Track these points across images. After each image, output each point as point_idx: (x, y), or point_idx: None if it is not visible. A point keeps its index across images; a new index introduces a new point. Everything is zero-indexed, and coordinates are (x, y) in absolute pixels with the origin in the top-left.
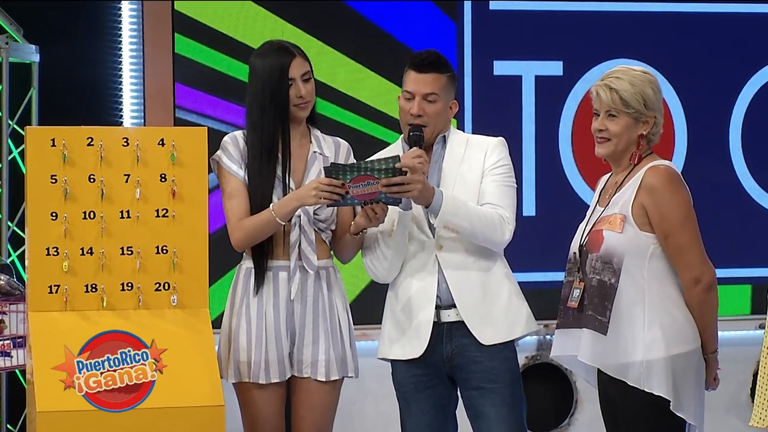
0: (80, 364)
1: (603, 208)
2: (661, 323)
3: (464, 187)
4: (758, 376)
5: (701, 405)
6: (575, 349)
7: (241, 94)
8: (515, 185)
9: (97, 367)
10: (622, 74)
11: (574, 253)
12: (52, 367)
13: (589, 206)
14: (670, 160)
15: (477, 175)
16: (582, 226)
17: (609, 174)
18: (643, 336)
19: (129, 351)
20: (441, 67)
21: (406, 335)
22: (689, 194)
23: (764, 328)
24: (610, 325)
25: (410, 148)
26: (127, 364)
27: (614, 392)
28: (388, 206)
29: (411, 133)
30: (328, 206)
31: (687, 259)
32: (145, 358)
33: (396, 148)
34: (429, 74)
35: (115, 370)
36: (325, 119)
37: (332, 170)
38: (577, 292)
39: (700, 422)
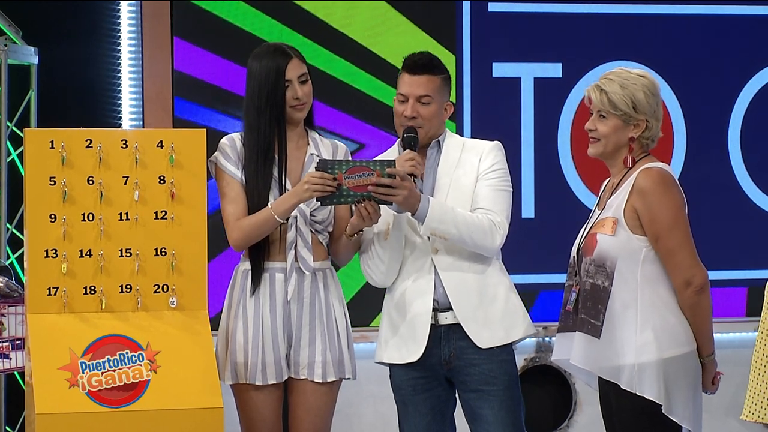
0: (83, 365)
1: (600, 211)
2: (653, 326)
3: (459, 191)
4: (750, 371)
5: (697, 408)
6: (570, 352)
7: (240, 97)
8: (510, 189)
9: (99, 368)
10: (615, 76)
11: (573, 257)
12: (59, 367)
13: (587, 208)
14: (669, 162)
15: (471, 179)
16: (582, 229)
17: (610, 177)
18: (635, 339)
19: (126, 353)
20: (434, 68)
21: (403, 338)
22: (682, 196)
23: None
24: (604, 329)
25: (405, 150)
26: (125, 364)
27: (610, 394)
28: (381, 205)
29: (405, 135)
30: (322, 204)
31: (677, 261)
32: (141, 359)
33: (392, 151)
34: (422, 76)
35: (114, 370)
36: (332, 82)
37: (322, 165)
38: (573, 296)
39: (695, 425)
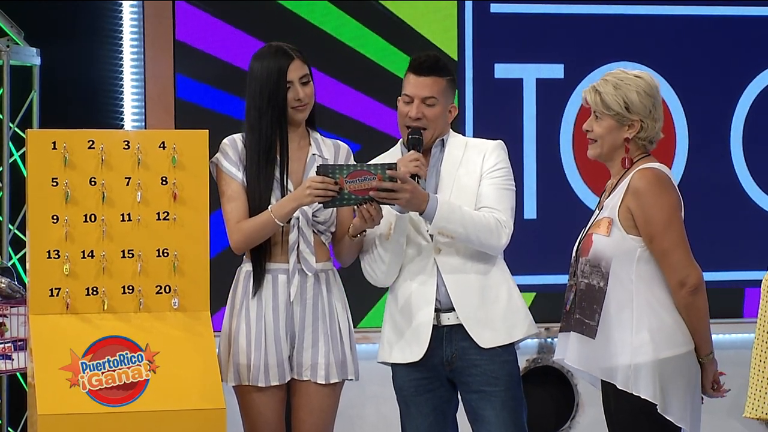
0: (84, 365)
1: (599, 212)
2: (649, 327)
3: (461, 190)
4: (750, 369)
5: (695, 408)
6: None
7: (243, 93)
8: (514, 188)
9: (99, 368)
10: (612, 77)
11: (573, 256)
12: (60, 367)
13: (589, 209)
14: (671, 163)
15: (475, 178)
16: (583, 230)
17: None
18: (631, 339)
19: (126, 354)
20: (440, 70)
21: (405, 339)
22: (677, 197)
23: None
24: (599, 329)
25: (408, 151)
26: (125, 365)
27: (610, 395)
28: (383, 206)
29: (410, 136)
30: (325, 207)
31: (671, 262)
32: (140, 360)
33: (395, 151)
34: (428, 78)
35: (114, 370)
36: (333, 43)
37: (323, 170)
38: (571, 296)
39: (693, 426)
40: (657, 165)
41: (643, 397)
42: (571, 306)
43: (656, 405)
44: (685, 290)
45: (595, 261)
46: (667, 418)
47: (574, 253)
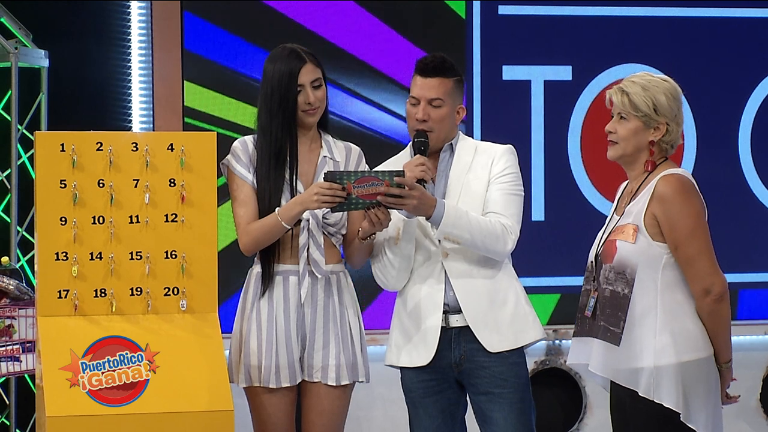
0: (84, 365)
1: (619, 217)
2: (671, 330)
3: (469, 195)
4: None
5: (716, 414)
6: (588, 358)
7: (250, 102)
8: (522, 194)
9: (99, 368)
10: (638, 79)
11: (591, 262)
12: (60, 367)
13: (597, 211)
14: (679, 166)
15: (483, 183)
16: (599, 234)
17: (627, 181)
18: (654, 343)
19: (126, 353)
20: (446, 71)
21: (413, 343)
22: (702, 203)
23: None
24: (623, 336)
25: (415, 154)
26: (125, 365)
27: (626, 399)
28: (392, 210)
29: (416, 139)
30: (333, 211)
31: (696, 269)
32: (140, 359)
33: (404, 154)
34: (434, 79)
35: (114, 370)
36: None
37: (331, 177)
38: (592, 302)
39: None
40: (680, 171)
41: (666, 405)
42: (593, 312)
43: (679, 413)
44: (710, 298)
45: (620, 268)
46: (688, 425)
47: (592, 258)
